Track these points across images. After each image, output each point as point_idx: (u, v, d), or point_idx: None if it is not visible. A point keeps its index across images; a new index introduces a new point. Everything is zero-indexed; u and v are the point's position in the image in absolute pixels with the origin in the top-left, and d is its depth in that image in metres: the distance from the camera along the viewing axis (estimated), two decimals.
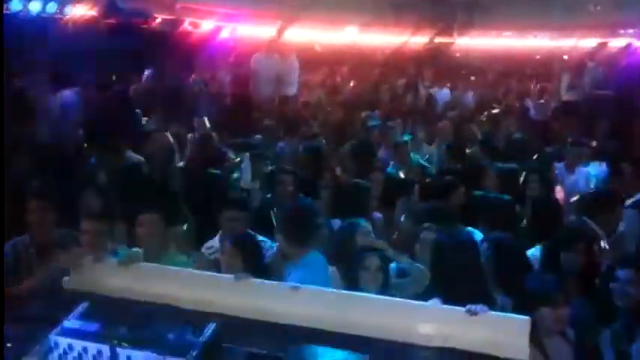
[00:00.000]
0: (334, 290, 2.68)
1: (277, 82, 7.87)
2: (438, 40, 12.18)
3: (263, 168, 5.03)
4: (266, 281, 2.57)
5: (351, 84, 10.59)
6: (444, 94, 10.10)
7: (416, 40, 12.22)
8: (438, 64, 11.82)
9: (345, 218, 3.75)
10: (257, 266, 3.00)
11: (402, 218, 4.09)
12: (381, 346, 2.22)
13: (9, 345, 2.20)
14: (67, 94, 5.54)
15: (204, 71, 8.47)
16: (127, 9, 8.08)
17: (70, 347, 2.03)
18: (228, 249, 3.16)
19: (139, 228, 3.34)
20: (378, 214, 4.36)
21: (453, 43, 12.38)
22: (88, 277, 2.48)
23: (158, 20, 8.89)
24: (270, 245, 3.49)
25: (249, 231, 3.46)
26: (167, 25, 9.02)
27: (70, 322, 2.14)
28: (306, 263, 3.09)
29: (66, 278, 2.63)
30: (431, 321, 2.36)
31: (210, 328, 2.03)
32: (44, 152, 4.63)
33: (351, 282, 3.08)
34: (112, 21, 7.86)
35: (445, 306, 2.48)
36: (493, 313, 2.38)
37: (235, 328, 2.19)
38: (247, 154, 5.09)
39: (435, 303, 2.57)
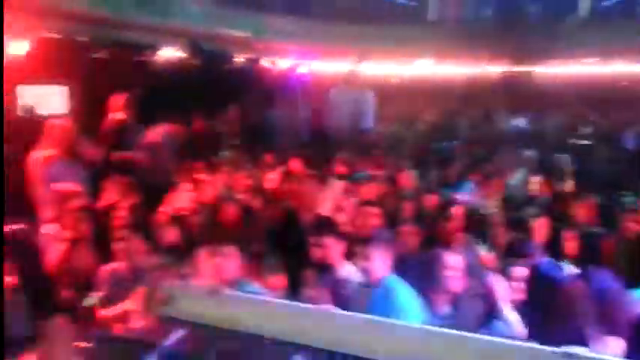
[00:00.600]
0: (418, 325, 2.62)
1: (354, 115, 7.99)
2: (517, 68, 11.93)
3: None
4: (358, 314, 2.54)
5: (428, 115, 10.54)
6: (523, 122, 9.81)
7: (493, 69, 12.04)
8: (517, 93, 11.52)
9: (426, 251, 3.70)
10: (339, 300, 3.00)
11: (483, 252, 3.97)
12: None
13: None
14: (160, 129, 5.99)
15: (283, 106, 8.77)
16: (210, 50, 8.63)
17: None
18: (311, 281, 3.21)
19: (217, 258, 3.44)
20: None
21: (532, 71, 12.08)
22: (184, 304, 2.58)
23: (239, 59, 9.39)
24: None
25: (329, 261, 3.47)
26: (247, 63, 9.48)
27: (167, 349, 2.24)
28: (390, 286, 3.08)
29: (162, 305, 2.74)
30: None
31: None
32: (140, 182, 4.98)
33: None
34: (197, 62, 8.42)
35: (540, 346, 2.36)
36: (592, 355, 2.23)
37: None
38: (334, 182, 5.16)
39: (529, 343, 2.45)
